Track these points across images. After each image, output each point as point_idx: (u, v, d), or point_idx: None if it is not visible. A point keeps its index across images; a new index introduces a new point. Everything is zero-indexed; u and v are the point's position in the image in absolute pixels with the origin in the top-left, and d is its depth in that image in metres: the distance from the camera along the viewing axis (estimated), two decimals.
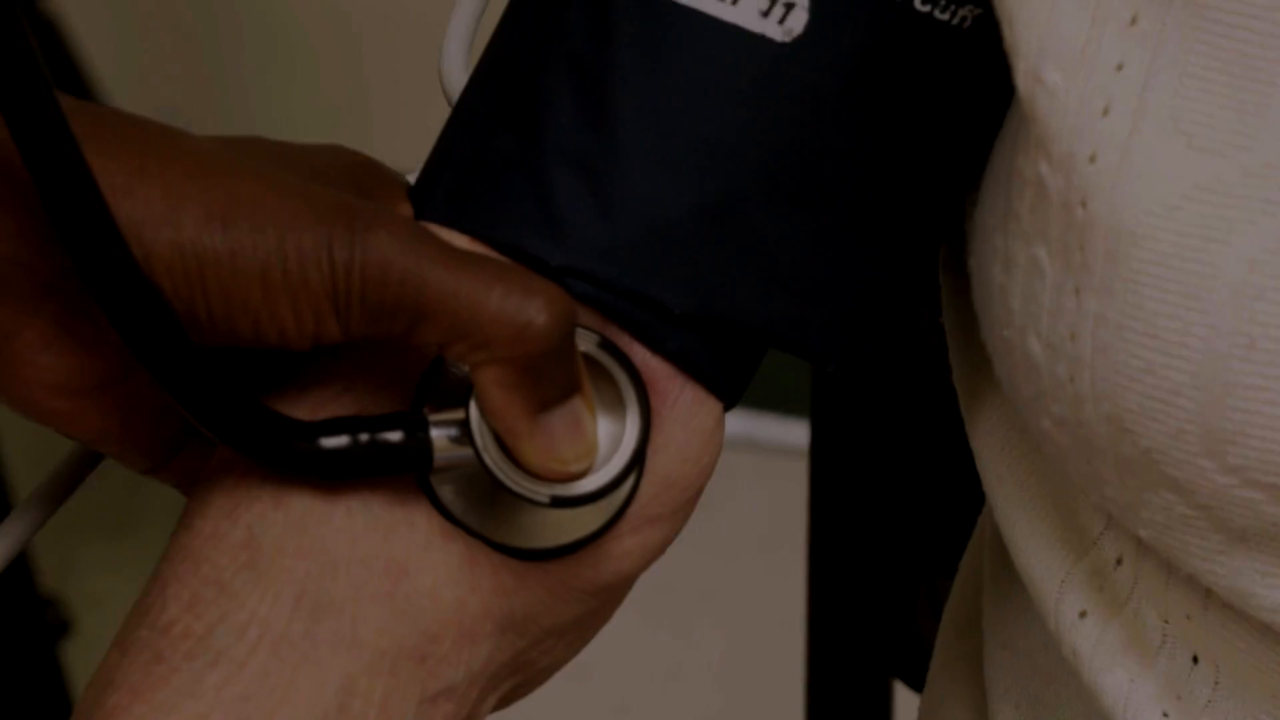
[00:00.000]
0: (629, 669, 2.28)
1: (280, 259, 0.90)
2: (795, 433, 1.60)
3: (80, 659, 1.88)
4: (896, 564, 1.32)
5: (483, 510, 0.95)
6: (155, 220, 0.90)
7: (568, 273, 0.96)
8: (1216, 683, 0.98)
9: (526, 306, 0.91)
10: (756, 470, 2.30)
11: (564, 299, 0.91)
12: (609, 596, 0.99)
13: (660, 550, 1.00)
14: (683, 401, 0.99)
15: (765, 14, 0.96)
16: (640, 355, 0.98)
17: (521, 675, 0.99)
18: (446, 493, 0.94)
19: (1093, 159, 0.92)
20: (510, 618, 0.96)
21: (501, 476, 0.93)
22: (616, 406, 0.95)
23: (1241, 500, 0.91)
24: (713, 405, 0.99)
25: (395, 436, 0.93)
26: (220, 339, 0.92)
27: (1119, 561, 1.00)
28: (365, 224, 0.91)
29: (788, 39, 0.96)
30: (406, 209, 0.99)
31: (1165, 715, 0.99)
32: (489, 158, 0.98)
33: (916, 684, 1.31)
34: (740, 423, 2.50)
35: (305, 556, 0.94)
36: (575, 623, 0.99)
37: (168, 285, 0.90)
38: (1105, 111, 0.92)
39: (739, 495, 2.21)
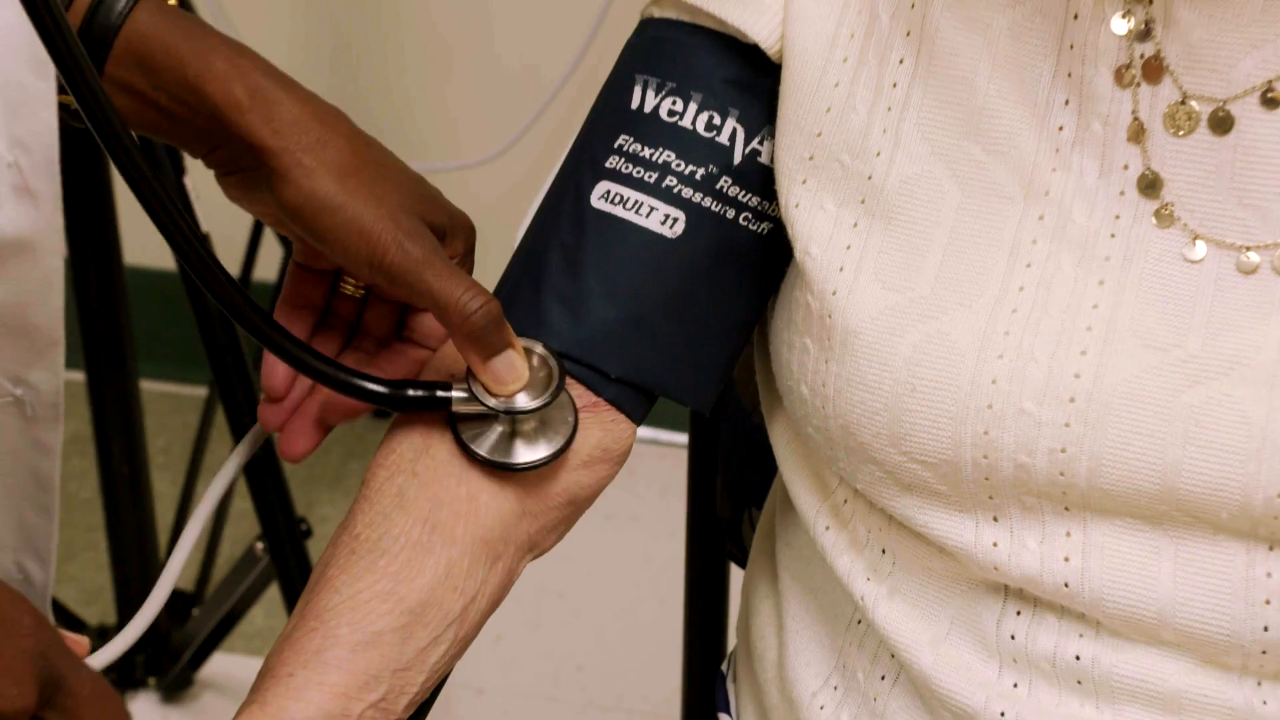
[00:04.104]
0: (582, 555, 2.24)
1: (380, 245, 0.92)
2: (680, 438, 1.57)
3: (316, 552, 1.86)
4: (734, 500, 1.29)
5: (486, 445, 0.96)
6: (354, 212, 0.92)
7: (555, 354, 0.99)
8: (894, 563, 1.01)
9: (470, 303, 0.92)
10: (661, 457, 2.27)
11: (494, 303, 0.93)
12: (577, 509, 1.01)
13: (604, 484, 1.01)
14: (609, 420, 1.00)
15: (663, 223, 0.98)
16: (591, 396, 0.99)
17: (535, 551, 1.00)
18: (467, 437, 0.96)
19: (834, 293, 0.96)
20: (526, 515, 0.98)
21: (480, 397, 0.95)
22: (548, 374, 0.96)
23: (910, 470, 0.94)
24: (628, 423, 1.01)
25: (433, 390, 0.96)
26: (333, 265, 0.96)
27: (845, 501, 1.03)
28: (411, 249, 0.93)
29: (674, 236, 0.98)
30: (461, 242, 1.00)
31: (869, 580, 1.01)
32: (516, 290, 1.00)
33: (742, 564, 1.28)
34: (651, 433, 2.42)
35: (427, 500, 0.96)
36: (562, 520, 1.00)
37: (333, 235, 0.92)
38: (841, 269, 0.96)
39: (651, 470, 2.17)
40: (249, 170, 0.95)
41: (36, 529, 1.04)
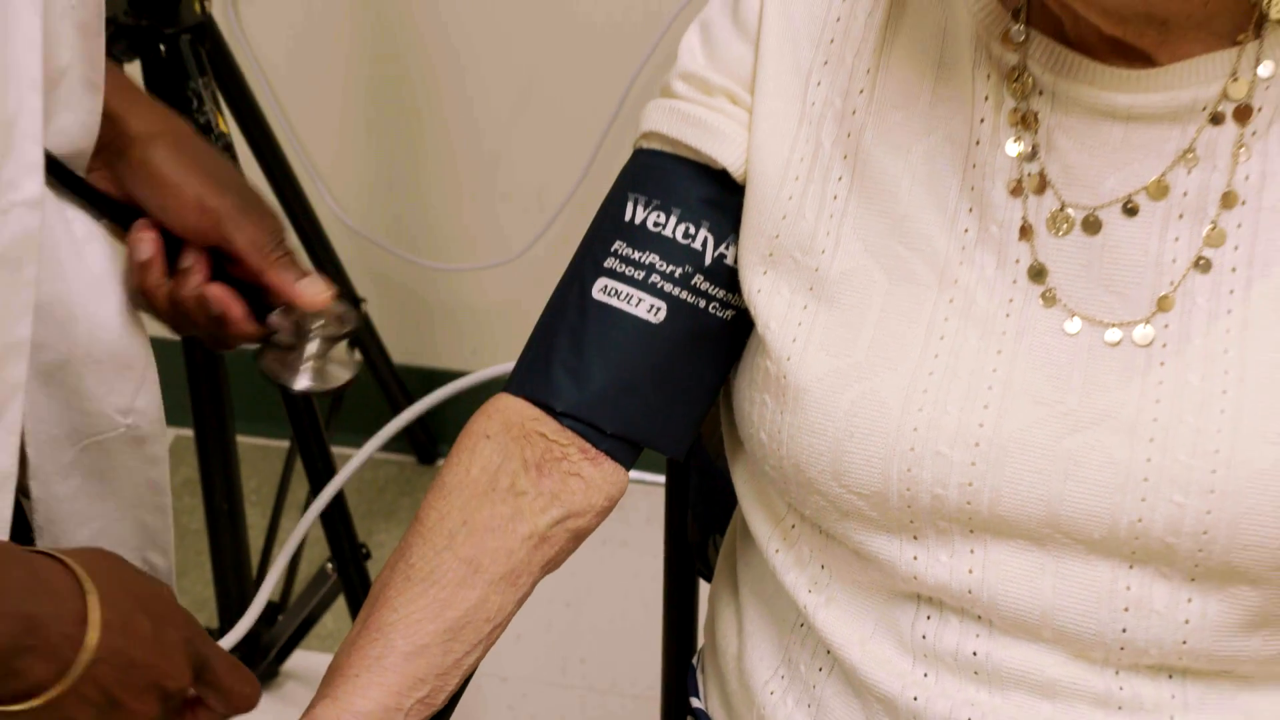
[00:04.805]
0: (584, 572, 2.24)
1: (202, 192, 0.92)
2: (659, 478, 1.57)
3: (374, 571, 1.82)
4: (701, 528, 1.26)
5: (293, 374, 0.95)
6: (224, 213, 0.92)
7: (563, 414, 0.97)
8: (831, 577, 0.99)
9: (275, 235, 0.92)
10: (644, 494, 2.26)
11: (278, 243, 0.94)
12: (579, 541, 1.00)
13: (597, 523, 1.00)
14: (610, 470, 0.99)
15: (649, 311, 0.97)
16: (590, 448, 0.98)
17: (547, 574, 0.99)
18: (272, 366, 0.95)
19: (788, 359, 0.94)
20: (546, 563, 0.97)
21: (302, 323, 0.94)
22: (340, 317, 0.95)
23: (848, 500, 0.93)
24: (622, 469, 1.00)
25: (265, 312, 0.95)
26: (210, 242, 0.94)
27: (793, 526, 1.02)
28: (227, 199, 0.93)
29: (658, 322, 0.97)
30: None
31: (810, 591, 0.99)
32: (533, 364, 0.99)
33: (708, 579, 1.24)
34: (637, 475, 2.40)
35: (473, 547, 0.94)
36: (569, 551, 0.99)
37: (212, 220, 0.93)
38: (794, 340, 0.95)
39: (637, 504, 2.17)
40: (112, 153, 0.95)
41: (155, 526, 1.04)
